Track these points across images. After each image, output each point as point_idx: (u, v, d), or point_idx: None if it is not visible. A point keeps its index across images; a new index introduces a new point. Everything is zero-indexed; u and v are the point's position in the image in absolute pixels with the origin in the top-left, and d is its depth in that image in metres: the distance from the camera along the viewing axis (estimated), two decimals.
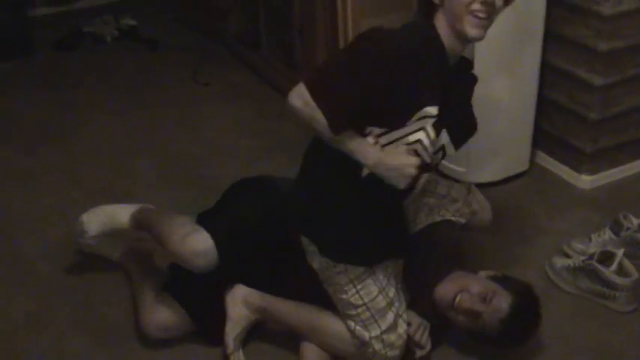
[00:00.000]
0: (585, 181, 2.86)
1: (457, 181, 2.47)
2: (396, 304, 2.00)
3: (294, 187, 2.01)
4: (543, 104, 2.85)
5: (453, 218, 2.17)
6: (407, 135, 1.79)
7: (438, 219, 2.15)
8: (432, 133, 1.82)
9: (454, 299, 2.03)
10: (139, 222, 2.25)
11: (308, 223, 1.95)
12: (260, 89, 3.60)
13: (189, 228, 2.10)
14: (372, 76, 1.70)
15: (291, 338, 2.12)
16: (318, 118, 1.72)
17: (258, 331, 2.17)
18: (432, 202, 2.16)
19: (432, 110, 1.78)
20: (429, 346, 2.08)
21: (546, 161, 2.98)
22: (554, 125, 2.88)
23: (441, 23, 1.80)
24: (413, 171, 1.76)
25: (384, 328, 1.97)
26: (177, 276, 2.18)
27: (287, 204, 2.03)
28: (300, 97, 1.73)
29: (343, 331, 2.01)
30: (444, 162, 2.84)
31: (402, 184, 1.77)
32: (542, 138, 2.93)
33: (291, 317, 2.09)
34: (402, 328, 2.01)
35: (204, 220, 2.16)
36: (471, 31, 1.77)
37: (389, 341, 1.99)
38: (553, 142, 2.91)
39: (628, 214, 2.45)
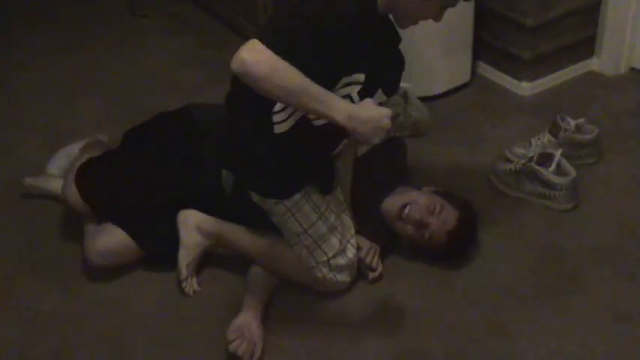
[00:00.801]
0: (525, 88, 2.91)
1: None
2: (339, 228, 2.02)
3: (221, 126, 2.00)
4: (482, 14, 2.88)
5: (397, 134, 2.20)
6: None
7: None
8: (357, 100, 1.79)
9: (402, 209, 2.09)
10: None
11: (230, 160, 1.98)
12: (200, 19, 3.57)
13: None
14: (312, 43, 1.64)
15: (242, 263, 2.14)
16: (281, 67, 1.60)
17: (211, 257, 2.20)
18: None
19: (360, 77, 1.78)
20: (380, 268, 2.12)
21: (487, 71, 3.02)
22: (493, 34, 2.92)
23: None
24: (388, 122, 1.69)
25: (330, 254, 2.00)
26: (118, 202, 2.18)
27: (210, 136, 2.08)
28: (255, 51, 1.60)
29: (294, 258, 2.04)
30: None
31: (376, 139, 1.71)
32: (483, 48, 2.97)
33: (244, 243, 2.11)
34: (351, 252, 2.05)
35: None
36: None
37: (336, 265, 2.02)
38: (493, 51, 2.95)
39: (565, 116, 2.50)
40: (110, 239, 2.15)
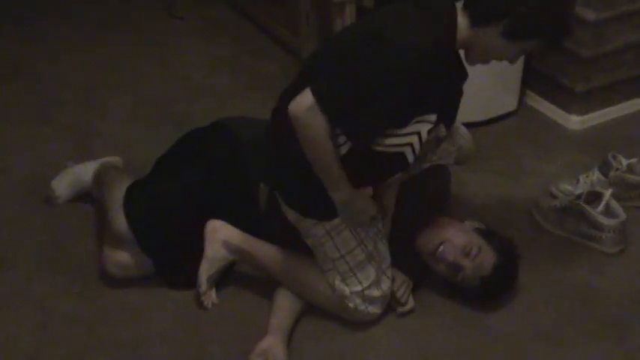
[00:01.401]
0: (575, 121, 2.88)
1: None
2: (377, 257, 2.00)
3: (261, 138, 2.01)
4: None
5: (442, 162, 2.17)
6: (400, 135, 1.81)
7: (426, 165, 2.13)
8: (425, 138, 1.83)
9: (437, 248, 2.05)
10: (96, 183, 2.34)
11: (274, 176, 1.97)
12: (238, 24, 3.57)
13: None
14: (400, 91, 1.70)
15: (267, 282, 2.13)
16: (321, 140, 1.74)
17: (233, 272, 2.19)
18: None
19: (432, 117, 1.80)
20: (411, 304, 2.10)
21: (535, 101, 2.99)
22: (544, 63, 2.90)
23: (462, 19, 1.77)
24: (366, 221, 1.91)
25: (365, 284, 1.98)
26: (140, 216, 2.15)
27: (250, 154, 2.09)
28: (311, 113, 1.72)
29: (325, 284, 2.02)
30: None
31: (350, 226, 1.92)
32: (532, 77, 2.95)
33: (272, 264, 2.09)
34: (385, 284, 2.03)
35: (138, 189, 2.18)
36: None
37: (370, 296, 2.00)
38: (543, 81, 2.93)
39: (617, 154, 2.48)
40: (130, 254, 2.13)
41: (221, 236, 2.10)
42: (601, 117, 2.91)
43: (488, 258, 2.03)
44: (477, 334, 2.06)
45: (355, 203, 1.86)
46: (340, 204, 1.87)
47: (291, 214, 1.97)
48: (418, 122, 1.79)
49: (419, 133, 1.81)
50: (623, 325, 2.09)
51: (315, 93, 1.71)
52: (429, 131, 1.83)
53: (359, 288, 1.98)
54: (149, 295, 2.16)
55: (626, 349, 2.02)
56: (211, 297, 2.12)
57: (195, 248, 2.11)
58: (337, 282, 1.98)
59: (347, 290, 1.98)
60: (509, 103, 2.92)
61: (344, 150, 1.82)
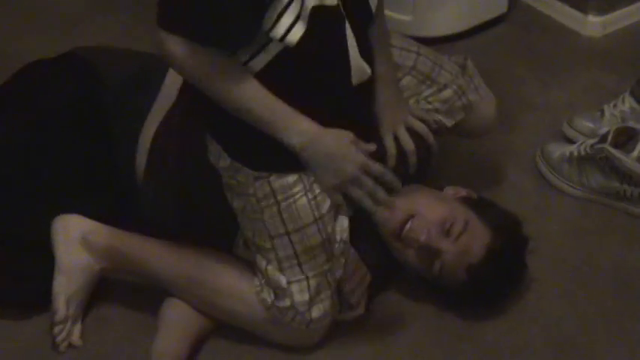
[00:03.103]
0: (593, 24, 2.84)
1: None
2: (332, 243, 1.93)
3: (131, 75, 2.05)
4: None
5: (435, 117, 2.10)
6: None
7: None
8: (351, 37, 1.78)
9: (402, 225, 1.96)
10: None
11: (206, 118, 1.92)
12: None
13: None
14: None
15: (147, 299, 2.03)
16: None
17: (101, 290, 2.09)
18: (408, 83, 2.10)
19: None
20: (361, 309, 2.00)
21: None
22: None
23: None
24: (354, 174, 1.77)
25: (310, 275, 1.90)
26: None
27: (115, 98, 2.06)
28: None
29: (247, 286, 1.93)
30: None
31: (332, 189, 1.81)
32: None
33: (160, 265, 2.00)
34: (339, 271, 1.95)
35: None
36: None
37: (315, 290, 1.90)
38: None
39: None
40: None
41: (77, 234, 2.01)
42: (630, 16, 2.88)
43: (478, 238, 1.94)
44: (469, 353, 1.97)
45: (326, 145, 1.78)
46: (304, 153, 1.78)
47: (224, 160, 1.89)
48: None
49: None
50: None
51: (161, 23, 1.68)
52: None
53: (301, 276, 1.88)
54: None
55: None
56: (72, 333, 2.00)
57: (28, 248, 2.05)
58: (270, 268, 1.89)
59: (283, 280, 1.88)
60: (497, 3, 2.87)
61: (257, 66, 1.72)
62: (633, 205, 2.23)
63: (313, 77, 1.78)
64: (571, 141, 2.39)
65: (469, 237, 1.93)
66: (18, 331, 2.03)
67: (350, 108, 1.87)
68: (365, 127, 1.94)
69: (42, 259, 2.04)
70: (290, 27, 1.67)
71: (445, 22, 2.78)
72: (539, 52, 2.80)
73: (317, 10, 1.68)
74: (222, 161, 1.89)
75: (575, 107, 2.53)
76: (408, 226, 1.94)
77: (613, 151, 2.19)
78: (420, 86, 2.09)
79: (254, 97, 1.74)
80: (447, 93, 2.08)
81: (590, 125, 2.41)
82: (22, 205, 2.05)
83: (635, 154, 2.18)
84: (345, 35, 1.77)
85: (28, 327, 2.04)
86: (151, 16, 1.81)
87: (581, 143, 2.31)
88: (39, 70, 2.21)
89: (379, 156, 1.93)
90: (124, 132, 2.07)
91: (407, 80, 2.07)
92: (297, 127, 1.76)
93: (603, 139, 2.23)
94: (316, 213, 1.87)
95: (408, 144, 1.99)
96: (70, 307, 1.99)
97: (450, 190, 2.07)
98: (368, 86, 1.91)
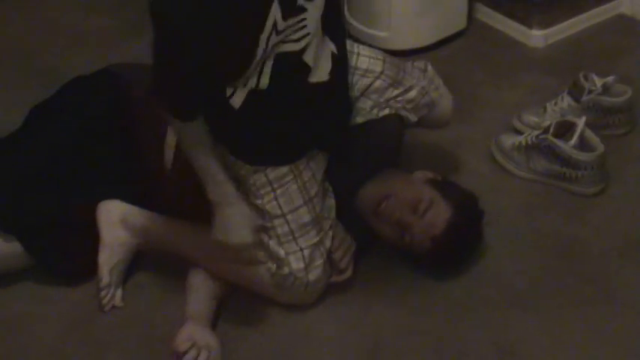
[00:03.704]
0: (537, 37, 2.93)
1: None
2: (324, 219, 2.05)
3: None
4: None
5: (402, 113, 2.19)
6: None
7: (383, 113, 2.17)
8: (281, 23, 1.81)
9: (379, 204, 2.08)
10: None
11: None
12: None
13: None
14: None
15: (174, 272, 2.15)
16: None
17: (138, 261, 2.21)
18: (379, 86, 2.16)
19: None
20: (349, 272, 2.13)
21: (488, 16, 3.05)
22: None
23: None
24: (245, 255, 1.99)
25: (304, 246, 2.03)
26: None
27: (142, 107, 2.15)
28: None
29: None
30: (360, 28, 2.85)
31: (217, 237, 1.97)
32: None
33: (184, 241, 2.12)
34: (329, 241, 2.07)
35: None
36: None
37: (310, 258, 2.03)
38: None
39: (589, 73, 2.51)
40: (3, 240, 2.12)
41: (117, 216, 2.14)
42: (568, 29, 2.96)
43: (441, 214, 2.05)
44: (435, 309, 2.10)
45: (227, 215, 1.95)
46: (214, 208, 1.95)
47: (230, 160, 2.01)
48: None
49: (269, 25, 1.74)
50: (608, 280, 2.14)
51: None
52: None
53: (296, 248, 2.02)
54: (31, 301, 2.15)
55: (614, 310, 2.06)
56: (115, 297, 2.14)
57: (76, 228, 2.15)
58: (272, 243, 2.02)
59: (282, 253, 2.02)
60: (457, 21, 2.97)
61: (237, 102, 1.85)
62: (572, 184, 2.34)
63: (279, 96, 1.86)
64: (520, 132, 2.49)
65: (433, 213, 2.04)
66: (68, 295, 2.15)
67: (317, 108, 1.95)
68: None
69: (85, 238, 2.15)
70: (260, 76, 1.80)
71: (415, 37, 2.86)
72: (493, 60, 2.89)
73: (280, 56, 1.79)
74: (229, 160, 2.00)
75: (522, 105, 2.61)
76: (383, 204, 2.06)
77: (554, 140, 2.31)
78: (389, 89, 2.14)
79: (200, 159, 1.91)
80: (413, 93, 2.16)
81: (536, 119, 2.51)
82: (70, 193, 2.15)
83: (572, 142, 2.30)
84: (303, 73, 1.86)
85: (76, 293, 2.16)
86: None
87: (528, 134, 2.41)
88: (80, 84, 2.29)
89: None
90: (148, 134, 2.17)
91: (377, 84, 2.13)
92: (219, 189, 1.93)
93: (546, 130, 2.34)
94: (306, 196, 2.00)
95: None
96: (113, 276, 2.12)
97: (419, 174, 2.17)
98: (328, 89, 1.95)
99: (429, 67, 2.25)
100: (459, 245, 2.11)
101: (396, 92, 2.16)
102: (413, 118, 2.21)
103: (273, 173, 1.98)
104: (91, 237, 2.14)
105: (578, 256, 2.20)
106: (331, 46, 1.91)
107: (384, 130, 2.19)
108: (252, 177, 1.99)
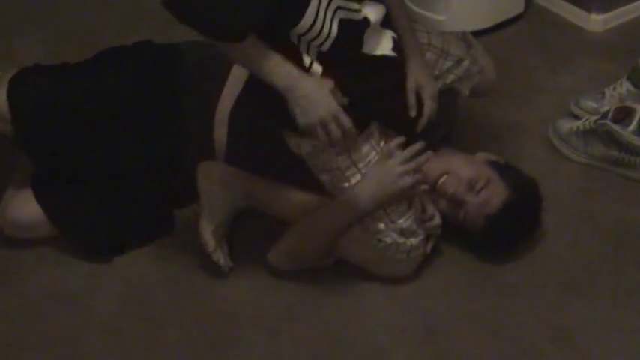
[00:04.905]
0: (596, 21, 2.92)
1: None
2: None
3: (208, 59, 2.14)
4: None
5: (456, 85, 2.22)
6: None
7: (437, 86, 2.16)
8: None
9: (437, 180, 2.10)
10: None
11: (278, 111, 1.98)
12: None
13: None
14: None
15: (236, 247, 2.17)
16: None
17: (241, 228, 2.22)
18: (429, 59, 2.16)
19: None
20: (437, 218, 2.12)
21: (546, 0, 3.05)
22: None
23: None
24: (327, 115, 1.87)
25: (397, 219, 2.04)
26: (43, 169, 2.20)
27: (190, 74, 2.17)
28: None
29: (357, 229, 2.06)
30: (416, 11, 2.87)
31: (306, 126, 1.89)
32: None
33: (288, 202, 2.13)
34: (418, 205, 2.08)
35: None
36: None
37: (407, 229, 2.05)
38: None
39: None
40: (25, 212, 2.17)
41: (217, 175, 2.15)
42: (627, 13, 2.95)
43: (497, 194, 2.07)
44: (488, 292, 2.10)
45: (305, 88, 1.86)
46: (287, 94, 1.86)
47: (306, 146, 2.00)
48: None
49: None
50: None
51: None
52: None
53: (388, 220, 2.04)
54: (87, 276, 2.17)
55: None
56: (223, 256, 2.13)
57: (104, 195, 2.18)
58: (369, 220, 2.04)
59: (382, 226, 2.04)
60: (515, 4, 2.96)
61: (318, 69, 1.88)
62: (630, 170, 2.34)
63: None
64: (577, 118, 2.48)
65: (489, 192, 2.06)
66: (123, 271, 2.16)
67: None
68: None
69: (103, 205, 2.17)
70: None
71: (472, 20, 2.83)
72: (550, 45, 2.88)
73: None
74: (303, 149, 2.01)
75: (580, 90, 2.59)
76: (441, 180, 2.09)
77: (613, 125, 2.30)
78: (439, 60, 2.16)
79: (251, 48, 1.82)
80: (465, 63, 2.18)
81: (594, 105, 2.50)
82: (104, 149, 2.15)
83: (631, 128, 2.29)
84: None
85: (131, 268, 2.17)
86: None
87: (586, 119, 2.41)
88: (148, 47, 2.29)
89: (403, 107, 2.05)
90: (193, 108, 2.16)
91: (428, 56, 2.14)
92: (282, 70, 1.83)
93: (604, 115, 2.33)
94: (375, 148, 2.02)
95: (427, 101, 2.07)
96: (216, 238, 2.12)
97: (481, 155, 2.20)
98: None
99: (469, 36, 2.27)
100: (513, 228, 2.10)
101: (448, 64, 2.17)
102: (465, 90, 2.23)
103: (356, 154, 1.99)
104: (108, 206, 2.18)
105: (634, 243, 2.19)
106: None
107: (445, 105, 2.19)
108: (336, 160, 1.99)
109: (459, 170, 2.10)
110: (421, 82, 2.05)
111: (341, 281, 2.13)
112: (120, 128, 2.16)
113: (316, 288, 2.11)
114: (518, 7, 2.96)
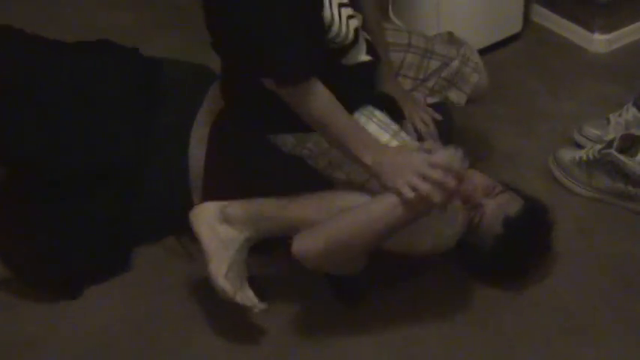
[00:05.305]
0: (600, 42, 2.90)
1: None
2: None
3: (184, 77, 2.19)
4: None
5: (452, 94, 2.22)
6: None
7: (433, 100, 2.20)
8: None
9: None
10: None
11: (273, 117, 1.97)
12: None
13: None
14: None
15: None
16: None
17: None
18: (411, 60, 2.18)
19: None
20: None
21: (546, 18, 3.03)
22: None
23: None
24: (425, 167, 1.78)
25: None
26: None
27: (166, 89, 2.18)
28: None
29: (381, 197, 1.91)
30: (407, 29, 2.80)
31: (395, 192, 1.80)
32: None
33: (300, 210, 1.98)
34: None
35: None
36: None
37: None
38: None
39: None
40: None
41: (213, 213, 2.02)
42: (633, 33, 2.93)
43: (515, 199, 2.08)
44: (486, 334, 2.04)
45: (390, 156, 1.83)
46: (376, 168, 1.83)
47: (290, 142, 1.99)
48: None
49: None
50: None
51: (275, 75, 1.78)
52: None
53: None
54: (44, 318, 2.10)
55: None
56: (247, 297, 1.99)
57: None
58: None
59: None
60: (511, 23, 2.94)
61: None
62: (637, 204, 2.28)
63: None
64: (580, 146, 2.45)
65: (507, 196, 2.07)
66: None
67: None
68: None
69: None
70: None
71: (467, 39, 2.67)
72: (551, 66, 2.86)
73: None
74: (289, 143, 1.99)
75: (583, 116, 2.56)
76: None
77: (619, 155, 2.25)
78: (423, 61, 2.16)
79: (341, 119, 1.82)
80: (455, 64, 2.17)
81: (598, 132, 2.45)
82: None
83: (638, 157, 2.25)
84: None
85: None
86: (202, 35, 1.92)
87: (590, 148, 2.36)
88: (118, 47, 2.28)
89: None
90: (165, 124, 2.14)
91: (410, 58, 2.15)
92: (372, 144, 1.83)
93: (609, 144, 2.29)
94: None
95: (424, 127, 2.08)
96: (231, 280, 1.97)
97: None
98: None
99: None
100: (531, 237, 2.06)
101: (434, 65, 2.17)
102: (462, 98, 2.22)
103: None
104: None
105: None
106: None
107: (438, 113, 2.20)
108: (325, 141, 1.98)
109: (475, 177, 2.10)
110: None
111: (323, 330, 2.06)
112: (79, 118, 2.09)
113: (295, 339, 2.05)
114: (515, 26, 2.95)
